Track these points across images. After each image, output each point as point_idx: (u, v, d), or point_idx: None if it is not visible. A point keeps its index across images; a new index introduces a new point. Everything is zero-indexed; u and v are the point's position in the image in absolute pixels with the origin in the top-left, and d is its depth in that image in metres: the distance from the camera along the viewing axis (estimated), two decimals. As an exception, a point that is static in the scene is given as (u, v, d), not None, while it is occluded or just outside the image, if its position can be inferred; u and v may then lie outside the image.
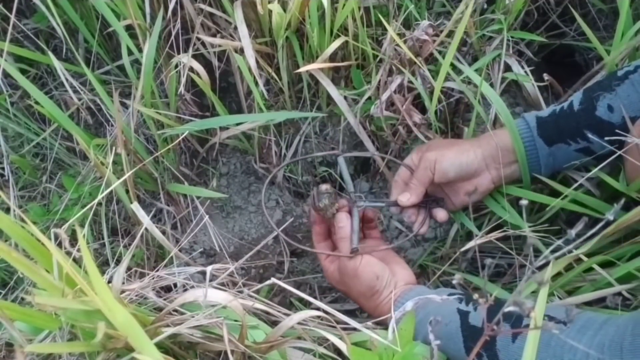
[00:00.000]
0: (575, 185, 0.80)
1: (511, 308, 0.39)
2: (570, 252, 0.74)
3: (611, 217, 0.41)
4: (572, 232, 0.40)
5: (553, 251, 0.40)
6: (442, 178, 0.82)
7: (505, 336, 0.61)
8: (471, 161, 0.81)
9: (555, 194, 0.84)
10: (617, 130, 0.73)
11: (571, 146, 0.78)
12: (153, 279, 0.60)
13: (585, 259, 0.73)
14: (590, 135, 0.75)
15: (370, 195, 1.11)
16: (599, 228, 0.46)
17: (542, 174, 0.82)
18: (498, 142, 0.81)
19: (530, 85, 0.95)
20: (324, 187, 0.81)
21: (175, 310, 0.56)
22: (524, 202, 0.48)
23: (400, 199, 0.84)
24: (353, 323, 0.61)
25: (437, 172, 0.81)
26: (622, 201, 0.71)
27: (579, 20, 0.91)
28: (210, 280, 0.55)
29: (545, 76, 0.92)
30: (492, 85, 0.93)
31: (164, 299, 0.60)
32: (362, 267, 0.77)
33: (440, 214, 0.87)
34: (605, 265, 0.76)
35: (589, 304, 0.76)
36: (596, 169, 0.77)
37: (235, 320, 0.58)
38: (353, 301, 0.82)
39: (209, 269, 0.55)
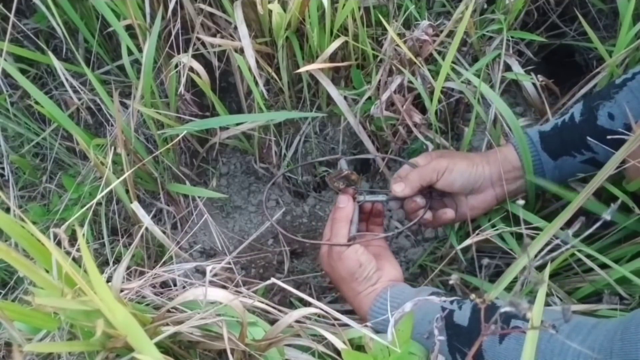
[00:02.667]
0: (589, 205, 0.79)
1: (508, 308, 0.39)
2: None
3: (608, 218, 0.41)
4: (569, 232, 0.40)
5: (551, 250, 0.40)
6: (446, 186, 0.81)
7: (492, 337, 0.60)
8: (479, 176, 0.81)
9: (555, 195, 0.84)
10: (619, 130, 0.73)
11: (576, 158, 0.78)
12: (153, 277, 0.60)
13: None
14: (593, 144, 0.75)
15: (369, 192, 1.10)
16: (595, 228, 0.46)
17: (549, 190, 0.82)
18: (503, 160, 0.81)
19: (530, 84, 0.95)
20: (347, 173, 0.82)
21: (175, 309, 0.56)
22: (520, 202, 0.48)
23: (395, 187, 0.83)
24: (351, 323, 0.61)
25: (444, 178, 0.81)
26: (619, 201, 0.71)
27: (582, 20, 0.91)
28: (210, 279, 0.55)
29: (540, 77, 0.92)
30: (492, 85, 0.93)
31: (163, 297, 0.60)
32: (347, 252, 0.77)
33: (449, 214, 0.86)
34: (605, 265, 0.76)
35: (587, 303, 0.76)
36: (599, 180, 0.77)
37: (233, 317, 0.58)
38: (336, 288, 0.82)
39: (208, 267, 0.55)
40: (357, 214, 0.83)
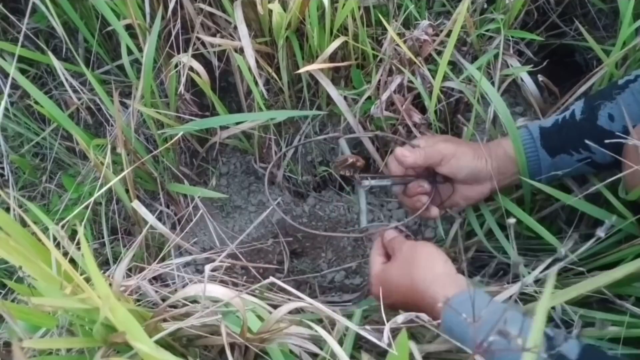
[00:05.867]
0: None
1: (495, 337, 0.38)
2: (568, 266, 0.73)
3: (602, 235, 0.39)
4: (562, 251, 0.38)
5: (547, 267, 0.40)
6: (451, 173, 0.80)
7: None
8: (482, 168, 0.80)
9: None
10: (617, 133, 0.73)
11: (573, 156, 0.78)
12: (152, 272, 0.60)
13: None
14: (592, 145, 0.75)
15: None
16: (591, 244, 0.44)
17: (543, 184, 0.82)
18: (504, 155, 0.81)
19: (531, 81, 0.95)
20: (353, 161, 0.81)
21: (174, 306, 0.56)
22: (511, 220, 0.45)
23: (397, 152, 0.79)
24: (348, 323, 0.60)
25: (450, 164, 0.79)
26: (614, 218, 0.71)
27: (578, 24, 0.92)
28: (210, 277, 0.54)
29: (540, 77, 0.92)
30: (492, 84, 0.93)
31: (162, 296, 0.60)
32: (420, 243, 0.74)
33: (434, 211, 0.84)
34: (603, 267, 0.76)
35: (588, 305, 0.76)
36: (599, 185, 0.77)
37: (231, 310, 0.57)
38: (402, 295, 0.72)
39: (207, 266, 0.55)
40: (364, 202, 0.81)
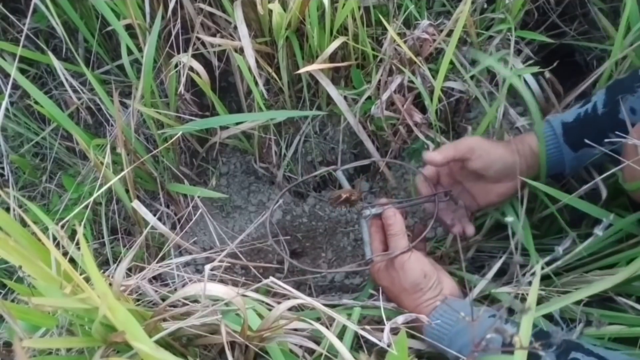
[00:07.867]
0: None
1: (492, 335, 0.38)
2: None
3: (600, 233, 0.40)
4: (560, 249, 0.39)
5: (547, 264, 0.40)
6: (481, 168, 0.79)
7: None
8: (513, 163, 0.79)
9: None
10: (617, 132, 0.72)
11: (596, 149, 0.78)
12: (152, 271, 0.60)
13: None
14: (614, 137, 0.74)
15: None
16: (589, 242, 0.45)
17: (566, 176, 0.82)
18: (529, 151, 0.80)
19: (531, 78, 0.95)
20: (347, 196, 0.81)
21: (174, 305, 0.56)
22: (509, 219, 0.46)
23: (425, 155, 0.79)
24: (347, 323, 0.61)
25: (482, 159, 0.79)
26: (612, 216, 0.71)
27: (579, 24, 0.91)
28: (210, 276, 0.54)
29: (547, 74, 0.92)
30: (496, 84, 0.94)
31: (162, 295, 0.60)
32: (410, 263, 0.75)
33: (469, 229, 0.86)
34: (606, 266, 0.76)
35: (587, 304, 0.76)
36: (597, 179, 0.77)
37: (231, 309, 0.57)
38: (392, 299, 0.80)
39: (207, 266, 0.55)
40: (367, 233, 0.81)
